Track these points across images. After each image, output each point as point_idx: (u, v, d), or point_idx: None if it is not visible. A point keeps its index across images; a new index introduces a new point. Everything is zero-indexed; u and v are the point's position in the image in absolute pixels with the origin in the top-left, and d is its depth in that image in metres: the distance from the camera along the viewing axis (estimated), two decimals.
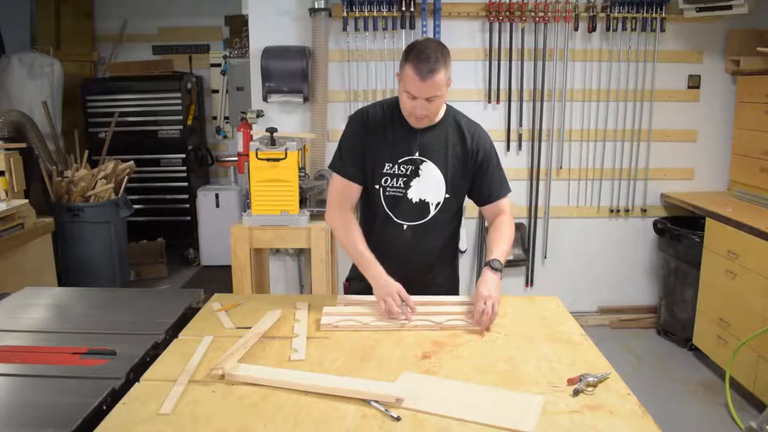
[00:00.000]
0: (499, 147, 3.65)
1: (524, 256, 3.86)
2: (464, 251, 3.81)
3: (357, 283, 2.03)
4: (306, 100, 3.54)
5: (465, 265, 3.84)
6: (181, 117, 5.02)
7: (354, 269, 2.08)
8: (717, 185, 3.81)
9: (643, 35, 3.60)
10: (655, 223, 3.70)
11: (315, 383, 1.36)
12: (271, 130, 2.76)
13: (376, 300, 1.77)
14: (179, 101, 5.00)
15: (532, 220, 3.84)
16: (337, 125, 3.62)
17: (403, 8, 3.45)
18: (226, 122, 5.37)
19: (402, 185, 1.89)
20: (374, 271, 1.81)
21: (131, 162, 4.22)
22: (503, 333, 1.68)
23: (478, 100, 3.68)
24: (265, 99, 3.54)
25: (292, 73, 3.44)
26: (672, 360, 3.46)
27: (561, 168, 3.77)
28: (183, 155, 5.07)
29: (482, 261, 3.76)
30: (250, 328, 1.66)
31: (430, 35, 3.53)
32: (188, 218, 5.19)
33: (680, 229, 3.49)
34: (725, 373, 2.94)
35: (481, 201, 1.98)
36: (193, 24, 5.36)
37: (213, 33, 5.35)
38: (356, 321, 1.73)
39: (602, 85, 3.68)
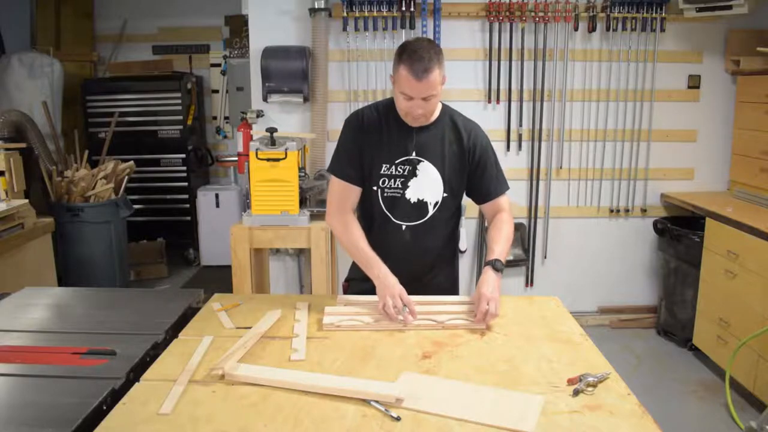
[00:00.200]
0: (499, 147, 3.68)
1: (524, 256, 3.86)
2: (464, 251, 3.81)
3: (356, 284, 2.03)
4: (306, 100, 3.54)
5: (465, 265, 3.84)
6: (181, 117, 5.02)
7: (353, 270, 2.07)
8: (717, 185, 3.82)
9: (643, 35, 3.60)
10: (655, 223, 3.70)
11: (315, 383, 1.36)
12: (271, 130, 2.76)
13: (378, 299, 1.77)
14: (179, 101, 5.00)
15: (532, 220, 3.84)
16: (337, 125, 3.62)
17: (403, 8, 3.46)
18: (226, 122, 5.37)
19: (400, 186, 1.89)
20: (378, 270, 1.80)
21: (131, 162, 4.22)
22: (503, 333, 1.68)
23: (478, 100, 3.68)
24: (265, 99, 3.54)
25: (292, 73, 3.44)
26: (672, 360, 3.46)
27: (561, 168, 3.77)
28: (183, 155, 5.07)
29: (482, 260, 3.76)
30: (250, 328, 1.66)
31: (430, 35, 3.53)
32: (188, 218, 5.19)
33: (680, 229, 3.49)
34: (725, 373, 2.94)
35: (480, 199, 1.98)
36: (193, 24, 5.36)
37: (213, 33, 5.35)
38: (358, 321, 1.73)
39: (602, 85, 3.68)
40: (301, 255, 3.82)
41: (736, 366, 2.92)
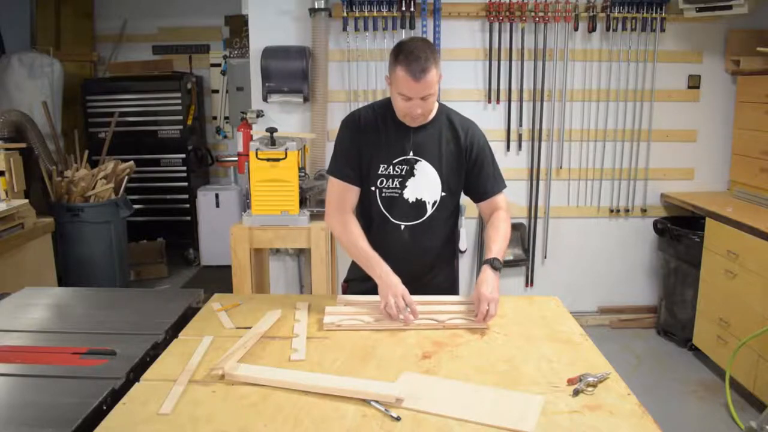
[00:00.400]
0: (499, 147, 3.68)
1: (524, 256, 3.86)
2: (464, 251, 3.81)
3: (356, 285, 2.03)
4: (306, 100, 3.54)
5: (465, 265, 3.84)
6: (181, 117, 5.02)
7: (352, 270, 2.07)
8: (717, 185, 3.82)
9: (643, 35, 3.60)
10: (655, 223, 3.70)
11: (315, 383, 1.36)
12: (271, 130, 2.76)
13: (380, 299, 1.77)
14: (179, 101, 5.00)
15: (532, 220, 3.84)
16: (337, 125, 3.55)
17: (403, 8, 3.46)
18: (226, 122, 5.37)
19: (398, 185, 1.89)
20: (380, 270, 1.80)
21: (131, 162, 4.22)
22: (503, 333, 1.68)
23: (478, 100, 3.68)
24: (265, 99, 3.54)
25: (292, 73, 3.44)
26: (672, 360, 3.46)
27: (561, 168, 3.77)
28: (183, 155, 5.07)
29: (482, 260, 3.75)
30: (250, 328, 1.66)
31: (430, 35, 3.53)
32: (188, 218, 5.19)
33: (680, 229, 3.49)
34: (725, 373, 2.94)
35: (477, 197, 1.98)
36: (193, 24, 5.36)
37: (213, 33, 5.35)
38: (359, 320, 1.73)
39: (602, 85, 3.68)
40: (301, 255, 3.81)
41: (736, 366, 2.92)
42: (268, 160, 2.73)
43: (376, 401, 1.30)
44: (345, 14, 3.49)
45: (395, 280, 1.77)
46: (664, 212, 3.82)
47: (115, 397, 1.31)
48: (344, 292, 2.09)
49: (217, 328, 1.69)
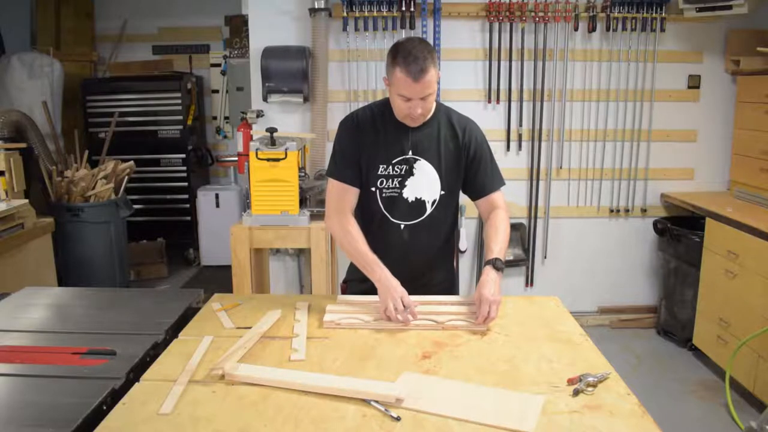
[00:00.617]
0: (499, 147, 3.68)
1: (524, 256, 3.86)
2: (464, 251, 3.81)
3: (355, 285, 2.02)
4: (306, 100, 3.54)
5: (465, 264, 3.84)
6: (181, 117, 5.02)
7: (351, 271, 2.07)
8: (717, 185, 3.82)
9: (643, 35, 3.60)
10: (655, 223, 3.70)
11: (315, 383, 1.36)
12: (271, 130, 2.76)
13: (380, 302, 1.76)
14: (179, 101, 4.99)
15: (532, 220, 3.84)
16: (337, 125, 3.62)
17: (403, 8, 3.46)
18: (226, 122, 5.37)
19: (397, 185, 1.89)
20: (379, 273, 1.79)
21: (131, 162, 4.22)
22: (503, 333, 1.68)
23: (478, 100, 3.68)
24: (265, 99, 3.54)
25: (292, 73, 3.44)
26: (672, 360, 3.46)
27: (561, 168, 3.77)
28: (183, 155, 5.06)
29: (482, 260, 3.76)
30: (250, 328, 1.66)
31: (430, 35, 3.53)
32: (188, 218, 5.18)
33: (680, 229, 3.49)
34: (725, 373, 2.94)
35: (475, 195, 1.97)
36: (193, 24, 5.36)
37: (213, 33, 5.35)
38: (359, 319, 1.73)
39: (602, 85, 3.68)
40: (301, 255, 3.81)
41: (736, 366, 2.92)
42: (268, 160, 2.73)
43: (376, 401, 1.30)
44: (345, 14, 3.50)
45: (394, 283, 1.77)
46: (664, 212, 3.82)
47: (115, 397, 1.31)
48: (343, 293, 2.09)
49: (217, 328, 1.69)
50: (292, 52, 3.46)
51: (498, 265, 1.79)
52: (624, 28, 3.58)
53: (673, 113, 3.73)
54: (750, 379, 2.88)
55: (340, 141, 1.94)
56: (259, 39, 3.54)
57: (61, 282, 3.70)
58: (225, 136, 5.47)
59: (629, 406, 1.31)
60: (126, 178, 4.14)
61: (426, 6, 3.50)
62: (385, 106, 1.89)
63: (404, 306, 1.72)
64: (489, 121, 3.63)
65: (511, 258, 3.81)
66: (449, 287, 2.10)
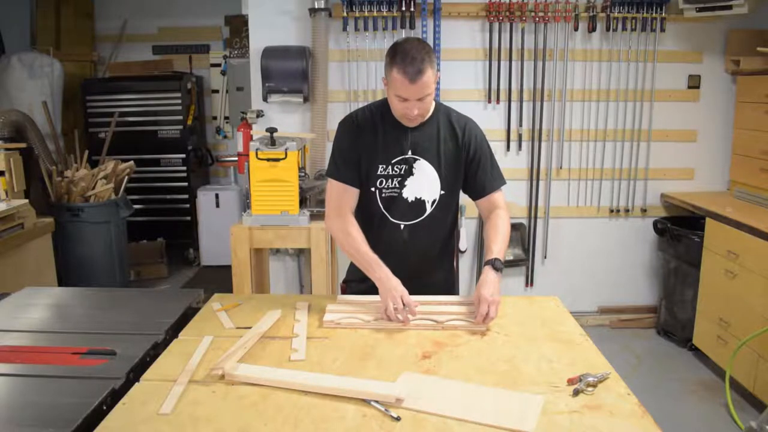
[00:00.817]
0: (499, 147, 3.68)
1: (524, 256, 3.86)
2: (464, 251, 3.81)
3: (354, 285, 2.02)
4: (306, 100, 3.54)
5: (465, 264, 3.84)
6: (181, 117, 5.02)
7: (351, 271, 2.07)
8: (717, 185, 3.82)
9: (643, 35, 3.60)
10: (655, 223, 3.70)
11: (315, 383, 1.36)
12: (271, 130, 2.76)
13: (380, 302, 1.76)
14: (179, 101, 5.00)
15: (532, 220, 3.84)
16: (337, 125, 3.62)
17: (403, 8, 3.46)
18: (226, 122, 5.37)
19: (397, 185, 1.89)
20: (380, 272, 1.79)
21: (131, 162, 4.22)
22: (503, 333, 1.68)
23: (478, 100, 3.68)
24: (265, 99, 3.54)
25: (292, 73, 3.44)
26: (672, 360, 3.46)
27: (561, 168, 3.77)
28: (183, 155, 5.07)
29: (482, 260, 3.76)
30: (250, 328, 1.66)
31: (430, 35, 3.53)
32: (188, 218, 5.19)
33: (680, 229, 3.49)
34: (725, 373, 2.94)
35: (475, 194, 1.97)
36: (193, 24, 5.36)
37: (213, 33, 5.35)
38: (359, 319, 1.73)
39: (602, 85, 3.68)
40: (301, 255, 3.82)
41: (736, 366, 2.92)
42: (268, 160, 2.73)
43: (376, 401, 1.30)
44: (345, 14, 3.50)
45: (395, 283, 1.77)
46: (664, 212, 3.82)
47: (115, 397, 1.31)
48: (343, 293, 2.09)
49: (217, 328, 1.69)
50: (292, 52, 3.46)
51: (497, 266, 1.79)
52: (624, 28, 3.58)
53: (673, 113, 3.73)
54: (750, 379, 2.88)
55: (339, 141, 1.93)
56: (259, 39, 3.54)
57: (61, 282, 3.70)
58: (225, 136, 5.47)
59: (629, 406, 1.31)
60: (126, 178, 4.14)
61: (426, 6, 3.50)
62: (384, 106, 1.89)
63: (404, 305, 1.72)
64: (489, 121, 3.63)
65: (511, 258, 3.81)
66: (449, 287, 2.10)
